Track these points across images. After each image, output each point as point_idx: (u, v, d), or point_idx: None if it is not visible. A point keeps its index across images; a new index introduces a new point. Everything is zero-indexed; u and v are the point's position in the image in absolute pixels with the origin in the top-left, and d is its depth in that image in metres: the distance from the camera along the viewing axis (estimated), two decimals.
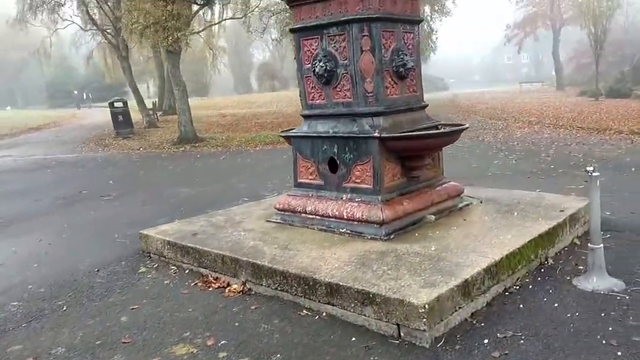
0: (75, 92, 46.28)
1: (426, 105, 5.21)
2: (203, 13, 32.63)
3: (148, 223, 5.82)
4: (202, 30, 29.03)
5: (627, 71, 34.06)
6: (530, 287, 3.93)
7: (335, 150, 4.76)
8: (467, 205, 5.33)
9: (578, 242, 4.88)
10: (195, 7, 17.08)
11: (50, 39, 27.81)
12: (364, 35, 4.45)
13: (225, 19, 32.57)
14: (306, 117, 5.04)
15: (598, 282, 3.89)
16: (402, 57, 4.67)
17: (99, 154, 15.13)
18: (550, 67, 52.44)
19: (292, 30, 4.97)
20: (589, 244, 4.09)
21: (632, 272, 4.07)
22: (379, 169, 4.53)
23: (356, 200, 4.65)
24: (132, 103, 22.88)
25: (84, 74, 48.13)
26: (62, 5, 22.42)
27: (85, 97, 44.34)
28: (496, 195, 5.77)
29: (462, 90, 59.28)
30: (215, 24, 33.56)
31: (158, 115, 26.65)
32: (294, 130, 5.24)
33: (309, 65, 4.88)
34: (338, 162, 4.76)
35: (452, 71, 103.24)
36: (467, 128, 5.02)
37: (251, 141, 15.73)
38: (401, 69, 4.69)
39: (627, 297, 3.66)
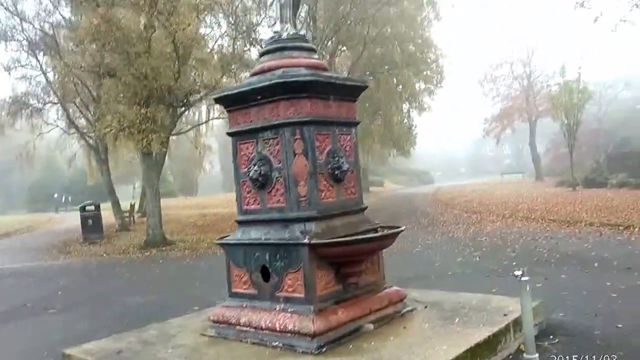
0: (56, 195, 46.37)
1: (365, 208, 5.24)
2: (192, 113, 33.80)
3: (83, 339, 5.56)
4: (187, 131, 29.90)
5: (602, 160, 35.15)
6: None
7: (267, 257, 4.69)
8: (411, 310, 5.21)
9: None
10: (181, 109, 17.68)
11: (34, 143, 28.32)
12: (296, 139, 4.55)
13: (211, 119, 33.55)
14: (240, 223, 5.03)
15: None
16: (337, 159, 4.75)
17: (58, 262, 14.80)
18: (530, 157, 54.04)
19: (229, 134, 5.10)
20: (523, 354, 3.97)
21: None
22: (310, 277, 4.44)
23: (289, 310, 4.51)
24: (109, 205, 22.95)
25: (67, 176, 48.63)
26: (41, 111, 23.07)
27: (64, 200, 44.38)
28: (442, 298, 5.66)
29: (447, 183, 60.47)
30: (201, 124, 34.61)
31: (135, 217, 26.60)
32: (227, 238, 5.21)
33: (245, 169, 4.90)
34: (270, 270, 4.69)
35: (439, 165, 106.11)
36: (403, 230, 5.03)
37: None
38: (337, 172, 4.75)
39: None
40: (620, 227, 12.41)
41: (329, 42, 25.53)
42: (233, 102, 4.94)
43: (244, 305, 4.85)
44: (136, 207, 28.07)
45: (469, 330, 4.54)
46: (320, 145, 4.70)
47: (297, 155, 4.56)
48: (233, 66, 19.77)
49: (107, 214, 23.23)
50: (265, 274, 4.73)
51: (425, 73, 28.11)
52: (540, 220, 15.28)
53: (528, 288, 3.94)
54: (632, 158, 31.77)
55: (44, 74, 21.70)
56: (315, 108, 4.65)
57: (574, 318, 5.56)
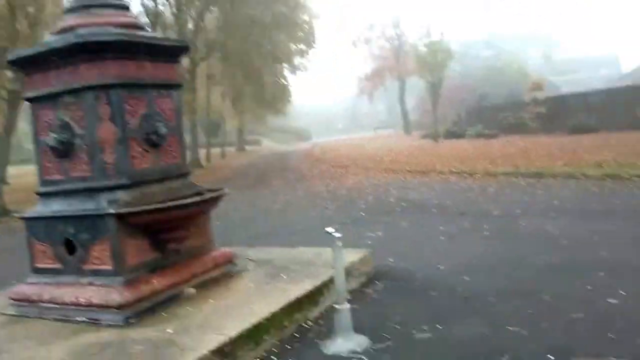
0: None
1: (188, 173, 4.97)
2: None
3: None
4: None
5: (463, 115, 37.85)
6: (274, 358, 3.70)
7: (72, 230, 4.28)
8: (241, 271, 5.10)
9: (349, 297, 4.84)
10: None
11: None
12: (101, 103, 4.13)
13: None
14: (42, 194, 4.55)
15: (342, 343, 3.79)
16: (153, 123, 4.41)
17: None
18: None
19: (27, 100, 4.51)
20: (334, 304, 4.01)
21: (382, 326, 4.05)
22: (118, 248, 4.13)
23: (96, 283, 4.19)
24: None
25: None
26: None
27: None
28: (277, 255, 5.65)
29: (324, 139, 61.79)
30: None
31: None
32: (28, 211, 4.68)
33: (45, 137, 4.41)
34: (75, 243, 4.28)
35: (318, 122, 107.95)
36: (222, 195, 4.85)
37: None
38: (152, 136, 4.43)
39: (365, 357, 3.58)
40: (466, 174, 13.39)
41: (197, 2, 24.27)
42: (30, 65, 4.39)
43: (48, 282, 4.42)
44: None
45: (290, 285, 4.54)
46: (132, 110, 4.34)
47: (102, 121, 4.17)
48: None
49: None
50: (71, 247, 4.32)
51: (298, 34, 27.87)
52: (399, 171, 16.05)
53: (340, 244, 3.98)
54: (488, 111, 34.61)
55: None
56: (124, 70, 4.26)
57: (402, 264, 5.81)
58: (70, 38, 4.08)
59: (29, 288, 4.48)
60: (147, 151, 4.45)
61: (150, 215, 4.24)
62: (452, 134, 32.82)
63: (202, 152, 32.85)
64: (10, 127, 28.33)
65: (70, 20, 4.41)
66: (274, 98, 31.27)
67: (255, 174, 21.42)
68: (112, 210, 4.08)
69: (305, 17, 30.66)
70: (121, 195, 4.21)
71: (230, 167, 27.09)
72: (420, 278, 5.26)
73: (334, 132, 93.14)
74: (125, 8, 4.71)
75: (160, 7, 22.54)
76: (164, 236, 4.45)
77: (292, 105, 66.21)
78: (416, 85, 45.97)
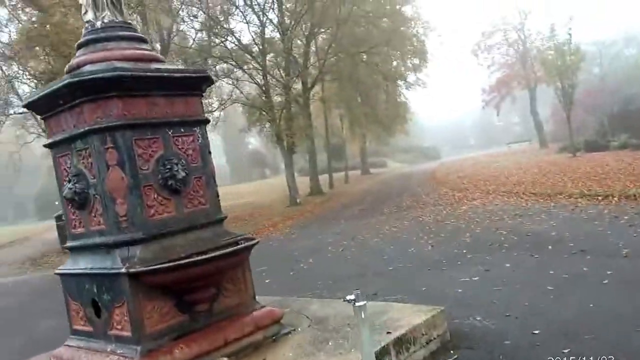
0: (57, 202, 46.41)
1: (223, 218, 4.48)
2: None
3: None
4: None
5: (605, 122, 33.71)
6: None
7: (95, 290, 3.99)
8: (288, 333, 4.47)
9: None
10: None
11: (20, 153, 28.01)
12: (107, 148, 3.80)
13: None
14: (71, 249, 4.32)
15: None
16: (170, 167, 3.98)
17: (22, 277, 14.33)
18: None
19: (45, 147, 4.37)
20: None
21: None
22: (135, 312, 3.70)
23: (117, 352, 3.81)
24: None
25: None
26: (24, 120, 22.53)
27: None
28: (340, 310, 4.89)
29: (453, 157, 59.29)
30: None
31: None
32: (61, 267, 4.52)
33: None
34: (100, 304, 3.99)
35: (448, 137, 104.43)
36: (254, 244, 4.29)
37: None
38: (170, 182, 4.00)
39: None
40: (599, 197, 11.47)
41: (304, 26, 24.63)
42: (42, 109, 4.21)
43: (82, 345, 4.16)
44: None
45: (335, 358, 3.80)
46: (145, 153, 3.93)
47: (110, 168, 3.80)
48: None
49: None
50: (97, 308, 4.03)
51: (408, 49, 26.99)
52: (521, 195, 14.35)
53: (364, 315, 3.17)
54: (635, 117, 30.33)
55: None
56: (131, 108, 3.88)
57: (490, 322, 4.77)
58: (66, 78, 3.82)
59: (66, 351, 4.25)
60: (167, 198, 3.99)
61: (169, 274, 3.80)
62: (593, 146, 29.29)
63: (325, 178, 33.06)
64: None
65: (79, 56, 4.12)
66: (391, 118, 30.50)
67: (371, 201, 20.75)
68: (123, 270, 3.69)
69: (415, 31, 29.70)
70: (137, 251, 3.76)
71: (350, 193, 26.72)
72: (508, 347, 4.19)
73: (465, 149, 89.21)
74: (139, 39, 4.31)
75: (271, 34, 23.07)
76: (187, 297, 3.99)
77: (415, 124, 64.77)
78: (550, 93, 42.18)
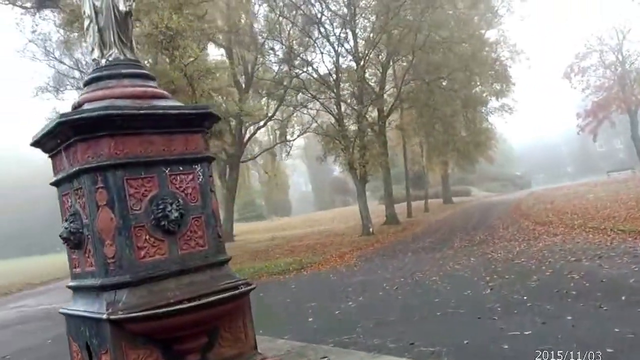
0: None
1: (224, 260, 4.22)
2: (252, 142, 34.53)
3: None
4: (250, 160, 30.43)
5: None
6: None
7: (87, 333, 3.86)
8: None
9: None
10: None
11: None
12: (97, 187, 3.69)
13: (267, 149, 33.97)
14: (73, 289, 4.26)
15: None
16: (163, 206, 3.80)
17: None
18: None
19: (52, 184, 4.37)
20: None
21: None
22: None
23: None
24: None
25: None
26: None
27: None
28: None
29: (546, 186, 55.89)
30: (266, 150, 35.01)
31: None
32: (64, 306, 4.45)
33: None
34: (91, 349, 3.86)
35: (542, 165, 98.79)
36: (250, 289, 3.98)
37: (259, 272, 14.96)
38: (163, 222, 3.82)
39: None
40: None
41: (380, 55, 24.49)
42: (45, 148, 4.21)
43: None
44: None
45: None
46: (138, 192, 3.79)
47: (100, 208, 3.69)
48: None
49: None
50: (90, 352, 3.90)
51: (489, 73, 25.84)
52: (608, 231, 12.94)
53: None
54: None
55: None
56: (123, 147, 3.77)
57: None
58: (57, 118, 3.75)
59: None
60: (160, 240, 3.80)
61: (153, 321, 3.58)
62: None
63: (403, 207, 32.28)
64: (232, 187, 32.11)
65: (82, 95, 4.09)
66: (472, 145, 29.25)
67: (444, 232, 19.81)
68: (104, 316, 3.53)
69: (499, 55, 28.50)
70: (124, 295, 3.59)
71: (426, 223, 25.79)
72: None
73: (560, 177, 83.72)
74: (144, 77, 4.21)
75: (346, 64, 23.08)
76: (178, 346, 3.75)
77: (503, 151, 61.84)
78: None
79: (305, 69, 22.77)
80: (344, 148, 21.03)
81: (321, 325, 7.36)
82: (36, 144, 4.17)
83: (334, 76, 21.79)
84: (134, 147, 3.82)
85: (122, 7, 4.17)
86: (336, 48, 22.37)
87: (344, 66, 22.72)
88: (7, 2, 17.94)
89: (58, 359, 6.84)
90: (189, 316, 3.63)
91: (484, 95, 28.28)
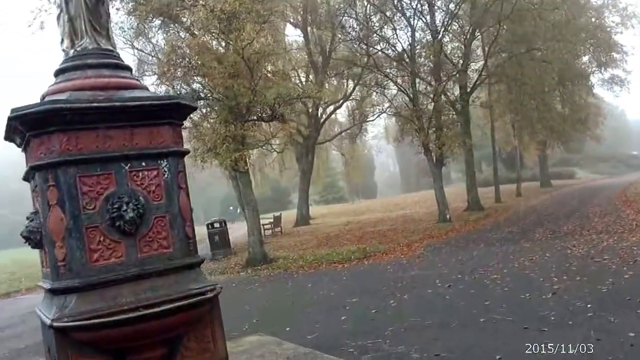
0: (231, 207, 50.73)
1: (193, 264, 3.90)
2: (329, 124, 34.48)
3: None
4: (327, 141, 30.41)
5: None
6: None
7: (46, 338, 3.75)
8: None
9: None
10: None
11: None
12: (49, 185, 3.51)
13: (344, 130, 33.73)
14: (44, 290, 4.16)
15: None
16: (119, 205, 3.55)
17: None
18: None
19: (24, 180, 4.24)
20: None
21: None
22: None
23: None
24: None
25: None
26: None
27: (238, 211, 48.08)
28: None
29: None
30: (340, 132, 34.83)
31: (281, 229, 27.50)
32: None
33: None
34: (50, 353, 3.73)
35: None
36: (209, 298, 3.64)
37: (319, 260, 14.72)
38: (118, 222, 3.57)
39: None
40: None
41: (461, 27, 23.11)
42: (16, 143, 4.09)
43: None
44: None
45: None
46: (92, 190, 3.56)
47: (51, 207, 3.52)
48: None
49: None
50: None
51: (590, 42, 23.36)
52: None
53: None
54: None
55: None
56: (77, 143, 3.54)
57: None
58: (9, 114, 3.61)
59: None
60: (116, 241, 3.54)
61: (99, 331, 3.36)
62: None
63: (488, 191, 30.62)
64: (308, 169, 32.17)
65: (49, 87, 3.90)
66: (572, 123, 26.85)
67: (530, 221, 18.38)
68: (48, 322, 3.36)
69: (598, 21, 25.75)
70: (72, 301, 3.40)
71: (513, 209, 24.15)
72: None
73: None
74: (112, 66, 3.95)
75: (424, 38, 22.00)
76: (133, 357, 3.51)
77: (614, 128, 56.45)
78: None
79: (380, 46, 22.00)
80: (418, 129, 20.08)
81: (351, 325, 6.97)
82: (7, 138, 4.08)
83: (409, 53, 20.79)
84: (89, 142, 3.59)
85: None
86: (412, 23, 21.33)
87: (421, 41, 21.64)
88: None
89: None
90: (142, 325, 3.37)
91: (587, 67, 25.62)
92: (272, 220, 27.47)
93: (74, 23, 3.99)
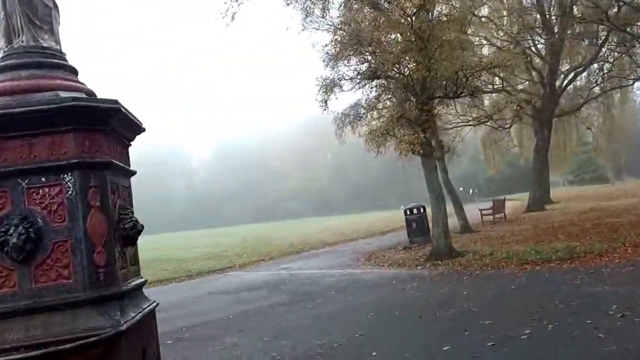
0: (461, 188, 48.36)
1: (105, 297, 3.31)
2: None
3: None
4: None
5: None
6: None
7: None
8: None
9: None
10: None
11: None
12: None
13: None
14: None
15: None
16: (5, 229, 3.20)
17: (349, 271, 14.92)
18: None
19: None
20: None
21: None
22: None
23: None
24: None
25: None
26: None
27: (471, 192, 45.46)
28: None
29: None
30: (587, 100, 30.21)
31: (505, 215, 25.17)
32: None
33: None
34: None
35: None
36: (104, 340, 3.00)
37: (510, 258, 12.63)
38: (6, 249, 3.19)
39: None
40: None
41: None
42: None
43: None
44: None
45: None
46: None
47: None
48: None
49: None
50: None
51: None
52: None
53: None
54: None
55: None
56: None
57: None
58: None
59: None
60: (10, 269, 3.21)
61: None
62: None
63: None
64: (544, 147, 28.45)
65: None
66: None
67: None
68: None
69: None
70: None
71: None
72: None
73: None
74: (35, 66, 3.58)
75: None
76: None
77: None
78: None
79: None
80: None
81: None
82: None
83: None
84: None
85: None
86: None
87: None
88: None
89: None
90: None
91: None
92: (491, 205, 25.15)
93: (10, 20, 3.76)
